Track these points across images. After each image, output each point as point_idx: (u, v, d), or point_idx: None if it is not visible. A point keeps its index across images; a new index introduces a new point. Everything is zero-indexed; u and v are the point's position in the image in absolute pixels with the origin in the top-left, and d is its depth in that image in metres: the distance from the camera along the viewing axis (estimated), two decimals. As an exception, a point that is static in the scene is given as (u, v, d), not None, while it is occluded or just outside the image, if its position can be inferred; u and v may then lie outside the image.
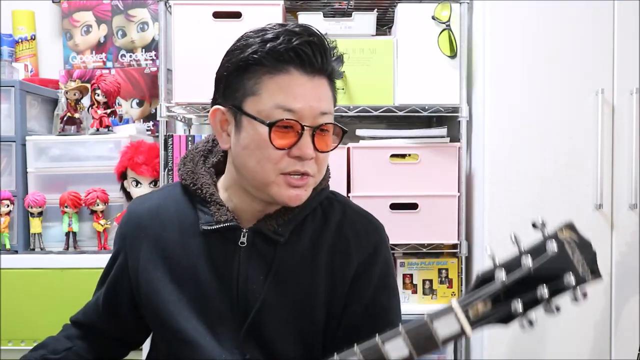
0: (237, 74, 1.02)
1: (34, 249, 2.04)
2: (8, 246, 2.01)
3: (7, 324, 1.91)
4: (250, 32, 1.04)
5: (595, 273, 0.83)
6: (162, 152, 1.99)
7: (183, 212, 1.11)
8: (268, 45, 0.99)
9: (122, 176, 2.05)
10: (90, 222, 2.06)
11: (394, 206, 1.96)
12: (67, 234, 2.04)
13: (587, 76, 1.84)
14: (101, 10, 2.43)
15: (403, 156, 1.98)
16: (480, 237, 1.90)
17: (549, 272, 0.82)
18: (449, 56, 1.96)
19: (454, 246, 2.01)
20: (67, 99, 2.13)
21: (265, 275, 1.06)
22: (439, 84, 1.97)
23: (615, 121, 1.85)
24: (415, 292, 2.02)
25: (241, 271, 1.06)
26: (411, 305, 2.01)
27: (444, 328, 0.84)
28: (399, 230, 1.96)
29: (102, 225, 2.03)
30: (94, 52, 2.43)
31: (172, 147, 1.98)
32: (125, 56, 2.42)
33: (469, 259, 2.02)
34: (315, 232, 1.10)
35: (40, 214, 2.04)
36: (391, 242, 1.98)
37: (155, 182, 2.04)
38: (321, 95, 1.03)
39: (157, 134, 2.13)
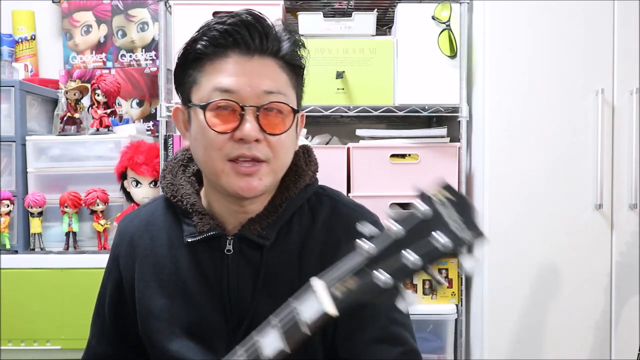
0: (184, 68, 1.00)
1: (34, 249, 2.04)
2: (8, 246, 2.01)
3: (7, 324, 1.91)
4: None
5: (475, 230, 0.72)
6: (162, 152, 1.99)
7: (170, 225, 1.08)
8: (204, 31, 0.97)
9: (122, 176, 2.05)
10: (90, 222, 2.06)
11: (394, 206, 1.96)
12: (67, 234, 2.04)
13: (587, 76, 1.84)
14: (101, 10, 2.43)
15: (403, 156, 1.98)
16: (480, 237, 1.90)
17: (418, 236, 0.72)
18: (448, 56, 1.96)
19: (454, 246, 2.00)
20: (67, 99, 2.13)
21: (254, 281, 1.02)
22: (439, 84, 1.97)
23: (615, 121, 1.85)
24: (415, 291, 2.02)
25: (230, 279, 1.03)
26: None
27: (309, 312, 0.75)
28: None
29: (102, 225, 2.03)
30: (94, 52, 2.43)
31: (172, 147, 1.98)
32: (125, 56, 2.42)
33: (469, 259, 2.02)
34: (303, 230, 1.05)
35: (40, 214, 2.04)
36: (391, 242, 2.00)
37: (155, 182, 2.04)
38: (264, 73, 0.97)
39: (157, 134, 2.13)
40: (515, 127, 1.85)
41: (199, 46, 0.97)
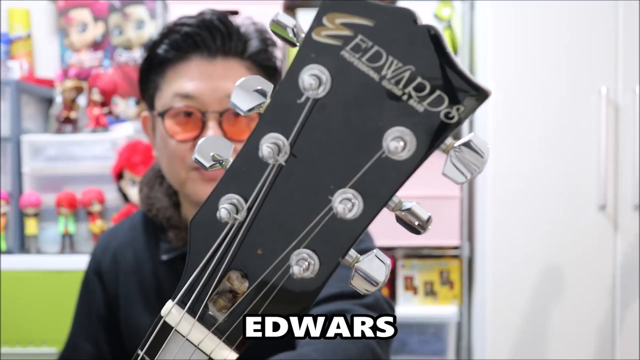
0: (147, 74, 0.95)
1: (29, 251, 2.02)
2: (3, 248, 1.99)
3: (2, 326, 1.89)
4: None
5: (461, 77, 0.34)
6: (159, 152, 1.96)
7: (150, 241, 1.04)
8: (165, 35, 0.93)
9: (119, 176, 2.02)
10: (86, 223, 2.03)
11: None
12: (63, 236, 2.02)
13: (590, 74, 1.82)
14: (98, 8, 2.40)
15: (404, 156, 1.96)
16: (482, 238, 1.88)
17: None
18: (450, 55, 1.94)
19: (456, 247, 1.98)
20: (63, 98, 2.11)
21: None
22: (440, 83, 1.95)
23: (619, 120, 1.83)
24: (416, 293, 2.00)
25: None
26: (412, 307, 1.98)
27: None
28: (400, 231, 1.93)
29: (98, 227, 2.00)
30: (90, 50, 2.40)
31: (170, 147, 1.96)
32: (122, 54, 2.40)
33: (471, 261, 2.00)
34: None
35: (35, 214, 2.01)
36: (391, 243, 1.98)
37: (152, 182, 2.02)
38: (228, 76, 0.90)
39: (154, 134, 2.10)
40: (517, 127, 1.83)
41: (160, 51, 0.92)
